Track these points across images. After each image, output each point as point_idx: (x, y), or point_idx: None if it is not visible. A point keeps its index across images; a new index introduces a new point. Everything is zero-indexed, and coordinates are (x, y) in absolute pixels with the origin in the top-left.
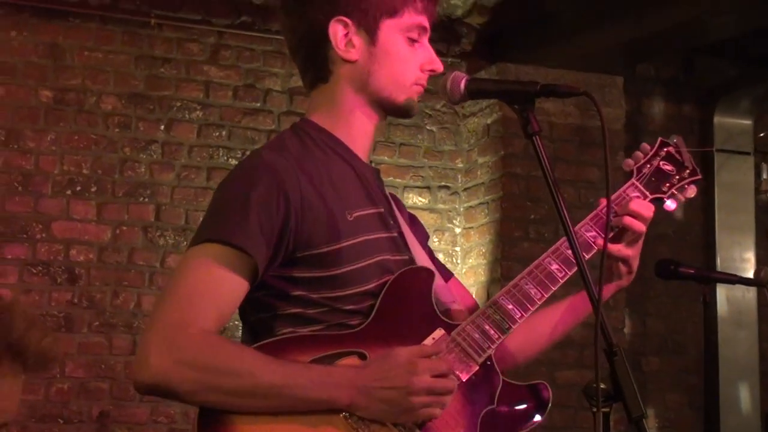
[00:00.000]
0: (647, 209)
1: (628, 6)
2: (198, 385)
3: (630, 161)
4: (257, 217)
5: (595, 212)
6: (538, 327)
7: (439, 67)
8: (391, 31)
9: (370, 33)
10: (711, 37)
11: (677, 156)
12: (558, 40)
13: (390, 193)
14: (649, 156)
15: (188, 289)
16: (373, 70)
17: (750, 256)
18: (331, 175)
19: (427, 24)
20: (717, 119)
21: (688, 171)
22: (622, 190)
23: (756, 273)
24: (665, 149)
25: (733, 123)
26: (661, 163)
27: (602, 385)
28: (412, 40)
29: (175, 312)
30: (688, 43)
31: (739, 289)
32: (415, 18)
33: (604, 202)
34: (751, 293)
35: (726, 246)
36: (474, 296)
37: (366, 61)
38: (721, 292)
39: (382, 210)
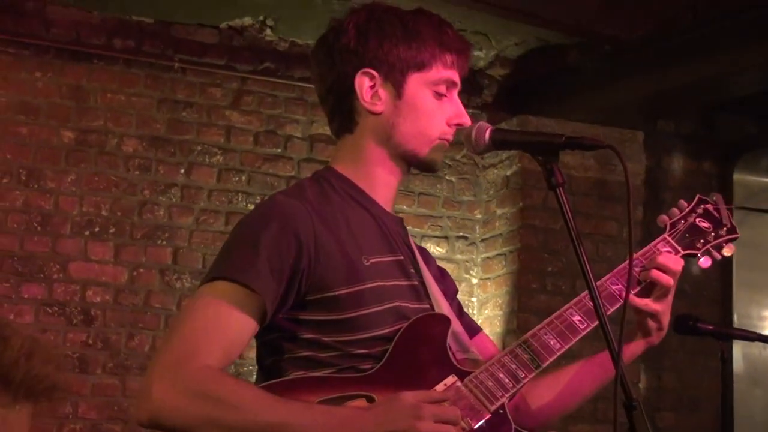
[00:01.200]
0: (676, 263)
1: (649, 62)
2: (197, 419)
3: (665, 217)
4: (267, 257)
5: (621, 266)
6: (564, 383)
7: (467, 121)
8: (417, 85)
9: (397, 86)
10: (732, 93)
11: (715, 213)
12: (579, 93)
13: (419, 246)
14: (685, 212)
15: (194, 325)
16: (397, 123)
17: (767, 314)
18: (348, 221)
19: (456, 78)
20: (737, 176)
21: (726, 228)
22: (652, 244)
23: None
24: (703, 206)
25: (752, 180)
26: (697, 219)
27: None
28: (440, 95)
29: (180, 346)
30: (709, 99)
31: (756, 347)
32: (443, 72)
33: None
34: None
35: (743, 303)
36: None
37: (391, 113)
38: (738, 349)
39: (402, 258)
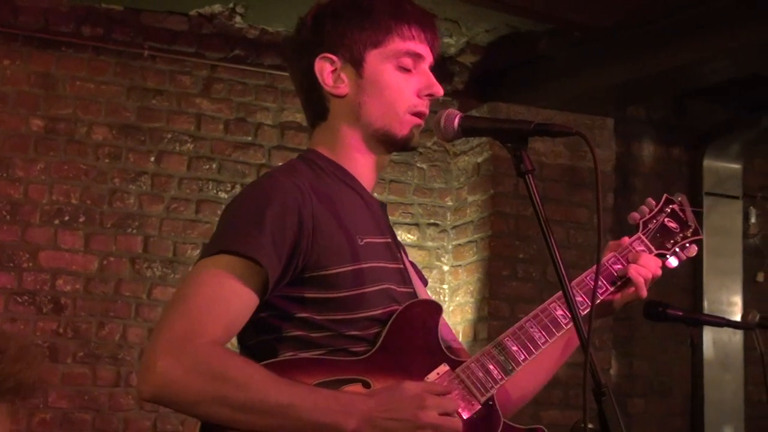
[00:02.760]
0: (656, 266)
1: (620, 49)
2: (204, 395)
3: (636, 215)
4: (271, 232)
5: (602, 261)
6: (533, 369)
7: (439, 90)
8: (377, 61)
9: (357, 66)
10: (702, 81)
11: (681, 214)
12: (550, 80)
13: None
14: (654, 212)
15: (198, 299)
16: (363, 102)
17: (737, 300)
18: (342, 200)
19: (420, 50)
20: (706, 163)
21: (691, 230)
22: (629, 243)
23: (743, 316)
24: (670, 206)
25: (722, 167)
26: (665, 219)
27: (590, 426)
28: (405, 68)
29: (184, 321)
30: (679, 86)
31: (725, 332)
32: (402, 45)
33: (610, 252)
34: (737, 336)
35: (713, 289)
36: (461, 334)
37: (356, 94)
38: (708, 335)
39: (390, 240)
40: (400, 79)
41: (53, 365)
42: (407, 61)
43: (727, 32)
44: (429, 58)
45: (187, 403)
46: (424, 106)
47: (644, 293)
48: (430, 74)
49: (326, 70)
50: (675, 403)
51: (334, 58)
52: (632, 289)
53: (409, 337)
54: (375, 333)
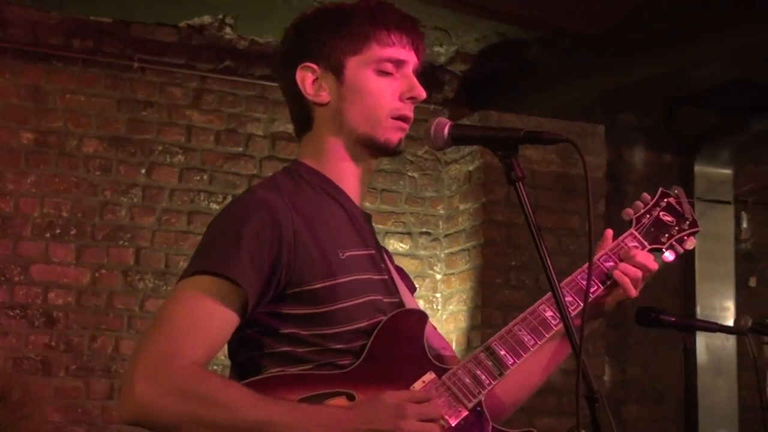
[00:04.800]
0: (653, 262)
1: (610, 55)
2: (182, 417)
3: (630, 210)
4: (249, 250)
5: (593, 259)
6: (516, 378)
7: (421, 93)
8: (356, 67)
9: (337, 73)
10: (692, 86)
11: (678, 207)
12: (540, 88)
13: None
14: (649, 206)
15: (177, 321)
16: (344, 109)
17: (729, 305)
18: (323, 214)
19: (401, 55)
20: (697, 168)
21: (688, 222)
22: (620, 239)
23: (736, 321)
24: (666, 200)
25: (713, 172)
26: (661, 213)
27: None
28: (386, 73)
29: (163, 343)
30: (669, 92)
31: (719, 338)
32: (381, 52)
33: (602, 249)
34: (730, 341)
35: (706, 294)
36: (454, 342)
37: (337, 101)
38: (701, 340)
39: (373, 252)
40: (381, 83)
41: (46, 379)
42: (388, 66)
43: (716, 37)
44: (412, 62)
45: (166, 425)
46: (407, 110)
47: (632, 293)
48: (412, 77)
49: (307, 79)
50: (669, 408)
51: (315, 66)
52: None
53: (394, 348)
54: (361, 345)
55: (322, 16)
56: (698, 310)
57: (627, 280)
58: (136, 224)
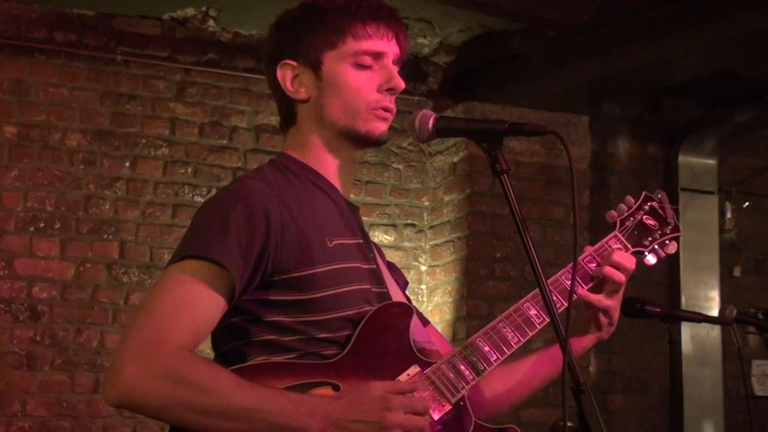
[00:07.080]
0: (630, 261)
1: (593, 47)
2: (170, 401)
3: (614, 213)
4: (236, 236)
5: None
6: (517, 376)
7: (399, 84)
8: (333, 61)
9: (315, 69)
10: (676, 77)
11: (660, 211)
12: (524, 79)
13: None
14: (633, 209)
15: (165, 305)
16: (324, 103)
17: (714, 295)
18: (311, 204)
19: (379, 48)
20: (681, 159)
21: (670, 227)
22: (604, 241)
23: (721, 311)
24: (649, 203)
25: (697, 162)
26: (644, 217)
27: (569, 424)
28: (364, 66)
29: (151, 327)
30: (653, 83)
31: (703, 328)
32: (357, 45)
33: (586, 250)
34: (715, 332)
35: (691, 285)
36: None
37: (317, 96)
38: (686, 330)
39: (361, 241)
40: (359, 76)
41: (31, 373)
42: (366, 59)
43: (699, 28)
44: (392, 53)
45: (153, 408)
46: (387, 101)
47: (619, 288)
48: (391, 68)
49: (287, 76)
50: (654, 398)
51: (294, 63)
52: (610, 287)
53: (380, 340)
54: (346, 335)
55: (300, 13)
56: (683, 300)
57: (619, 274)
58: (121, 218)
